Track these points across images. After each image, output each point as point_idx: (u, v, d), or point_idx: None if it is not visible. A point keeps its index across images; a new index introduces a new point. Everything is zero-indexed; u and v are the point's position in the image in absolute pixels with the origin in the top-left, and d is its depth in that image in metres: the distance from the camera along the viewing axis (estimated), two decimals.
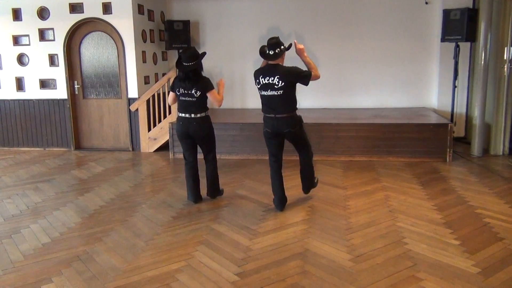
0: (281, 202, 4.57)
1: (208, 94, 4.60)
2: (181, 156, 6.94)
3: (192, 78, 4.53)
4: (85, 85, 7.72)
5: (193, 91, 4.53)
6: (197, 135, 4.67)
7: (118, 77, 7.58)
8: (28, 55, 7.67)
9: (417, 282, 3.11)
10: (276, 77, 4.21)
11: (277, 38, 4.29)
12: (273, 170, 4.57)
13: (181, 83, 4.57)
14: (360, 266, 3.35)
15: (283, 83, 4.21)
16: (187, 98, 4.57)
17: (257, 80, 4.33)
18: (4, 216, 4.64)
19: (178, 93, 4.62)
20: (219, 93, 4.70)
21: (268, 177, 4.68)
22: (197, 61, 4.50)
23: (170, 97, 4.81)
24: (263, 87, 4.28)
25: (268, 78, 4.23)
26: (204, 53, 4.64)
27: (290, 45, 4.37)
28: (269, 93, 4.26)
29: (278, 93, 4.23)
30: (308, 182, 4.78)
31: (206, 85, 4.59)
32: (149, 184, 5.76)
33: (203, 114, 4.64)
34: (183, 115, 4.63)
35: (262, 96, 4.35)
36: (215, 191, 4.97)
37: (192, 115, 4.59)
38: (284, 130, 4.34)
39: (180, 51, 4.62)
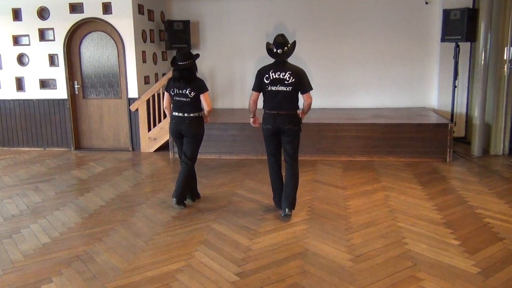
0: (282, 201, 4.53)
1: (201, 96, 4.63)
2: None
3: (187, 77, 4.58)
4: (85, 85, 7.72)
5: (187, 92, 4.59)
6: (187, 133, 4.69)
7: (118, 77, 7.58)
8: (28, 55, 7.66)
9: (417, 282, 3.11)
10: (287, 73, 4.23)
11: (283, 35, 4.30)
12: (273, 170, 4.54)
13: (176, 83, 4.62)
14: (360, 266, 3.36)
15: (293, 80, 4.23)
16: (181, 98, 4.63)
17: (266, 75, 4.26)
18: (4, 216, 4.64)
19: (172, 93, 4.68)
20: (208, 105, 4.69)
21: (268, 177, 4.66)
22: (192, 60, 4.58)
23: (166, 99, 4.81)
24: (273, 82, 4.25)
25: (279, 73, 4.23)
26: (197, 55, 4.71)
27: (294, 42, 4.37)
28: (278, 88, 4.24)
29: (287, 89, 4.24)
30: (294, 198, 4.40)
31: (201, 86, 4.65)
32: (149, 184, 5.75)
33: (196, 114, 4.69)
34: (177, 114, 4.69)
35: (268, 92, 4.30)
36: (195, 193, 4.97)
37: (185, 115, 4.65)
38: (285, 126, 4.29)
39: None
